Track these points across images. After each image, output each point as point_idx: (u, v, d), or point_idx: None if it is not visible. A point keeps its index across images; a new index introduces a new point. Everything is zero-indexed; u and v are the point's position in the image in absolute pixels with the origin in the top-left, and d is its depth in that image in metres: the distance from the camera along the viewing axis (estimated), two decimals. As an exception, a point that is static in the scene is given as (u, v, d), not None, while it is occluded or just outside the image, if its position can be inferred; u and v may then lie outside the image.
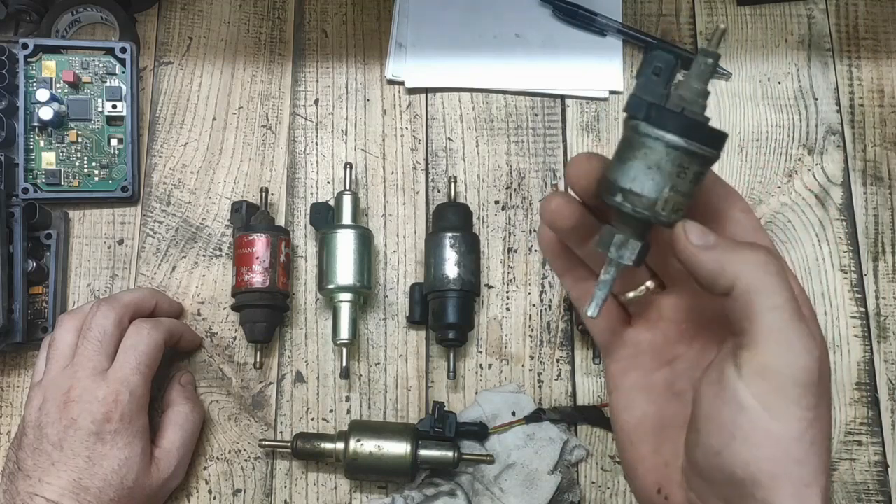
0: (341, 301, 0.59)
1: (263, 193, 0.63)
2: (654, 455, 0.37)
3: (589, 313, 0.35)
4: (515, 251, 0.64)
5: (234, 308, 0.60)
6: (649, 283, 0.38)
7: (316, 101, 0.67)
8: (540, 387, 0.61)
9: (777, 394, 0.31)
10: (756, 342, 0.32)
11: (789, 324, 0.31)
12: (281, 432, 0.60)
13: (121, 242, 0.64)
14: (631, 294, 0.38)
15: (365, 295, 0.61)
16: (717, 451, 0.33)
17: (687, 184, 0.32)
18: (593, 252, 0.37)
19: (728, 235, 0.35)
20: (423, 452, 0.56)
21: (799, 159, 0.66)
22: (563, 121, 0.67)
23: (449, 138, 0.66)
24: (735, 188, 0.37)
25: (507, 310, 0.62)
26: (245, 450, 0.60)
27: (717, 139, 0.32)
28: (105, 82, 0.65)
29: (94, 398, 0.52)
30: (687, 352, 0.38)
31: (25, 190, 0.62)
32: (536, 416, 0.58)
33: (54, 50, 0.64)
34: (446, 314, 0.58)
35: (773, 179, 0.65)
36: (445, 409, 0.57)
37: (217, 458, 0.60)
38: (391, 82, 0.67)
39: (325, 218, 0.62)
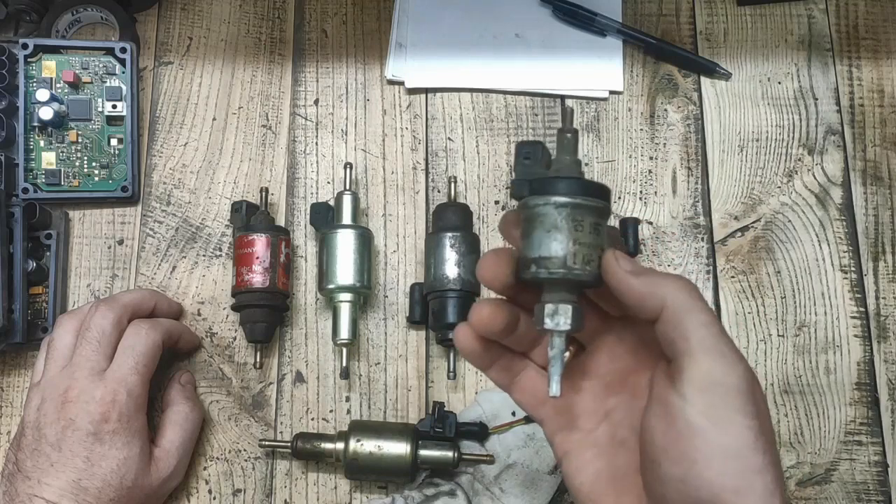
0: (341, 301, 0.59)
1: (263, 193, 0.63)
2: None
3: (551, 393, 0.36)
4: (515, 251, 0.64)
5: (234, 308, 0.60)
6: (569, 350, 0.39)
7: (316, 101, 0.67)
8: (540, 387, 0.61)
9: (722, 406, 0.33)
10: (693, 358, 0.33)
11: (719, 338, 0.34)
12: (281, 432, 0.60)
13: (121, 242, 0.64)
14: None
15: (365, 295, 0.61)
16: (681, 479, 0.34)
17: (588, 235, 0.35)
18: (520, 336, 0.40)
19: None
20: (423, 452, 0.56)
21: (799, 159, 0.66)
22: (564, 121, 0.66)
23: (449, 138, 0.66)
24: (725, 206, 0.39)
25: (507, 310, 0.62)
26: (245, 450, 0.60)
27: (600, 190, 0.36)
28: (105, 82, 0.65)
29: (91, 398, 0.52)
30: (618, 402, 0.40)
31: (25, 190, 0.62)
32: (536, 416, 0.58)
33: (54, 50, 0.64)
34: (446, 314, 0.58)
35: (773, 179, 0.65)
36: (445, 409, 0.57)
37: (217, 458, 0.60)
38: (391, 82, 0.67)
39: (325, 218, 0.62)
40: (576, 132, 0.37)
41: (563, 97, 0.67)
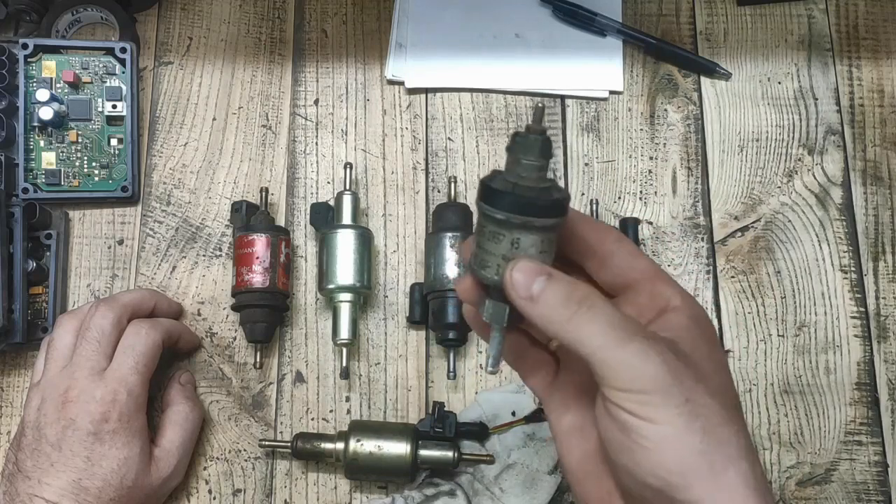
0: (341, 301, 0.59)
1: (263, 193, 0.63)
2: (598, 488, 0.39)
3: (489, 370, 0.38)
4: (515, 251, 0.64)
5: (234, 308, 0.60)
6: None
7: (316, 101, 0.67)
8: (540, 387, 0.61)
9: (644, 405, 0.33)
10: (601, 376, 0.34)
11: (617, 348, 0.33)
12: (281, 432, 0.60)
13: (121, 242, 0.64)
14: (554, 343, 0.41)
15: (365, 295, 0.61)
16: (629, 469, 0.35)
17: (518, 251, 0.35)
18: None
19: (612, 268, 0.38)
20: (423, 452, 0.56)
21: (799, 159, 0.66)
22: (563, 121, 0.67)
23: (449, 138, 0.66)
24: (603, 222, 0.39)
25: (507, 310, 0.62)
26: (245, 450, 0.60)
27: (537, 207, 0.34)
28: (105, 82, 0.65)
29: (91, 398, 0.52)
30: None
31: (25, 190, 0.62)
32: (536, 416, 0.58)
33: (54, 50, 0.64)
34: (446, 314, 0.58)
35: (773, 179, 0.65)
36: (445, 409, 0.57)
37: (217, 458, 0.60)
38: (391, 82, 0.67)
39: (325, 218, 0.62)
40: (544, 132, 0.35)
41: (563, 97, 0.67)
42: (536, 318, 0.35)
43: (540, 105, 0.36)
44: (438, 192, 0.65)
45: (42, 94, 0.62)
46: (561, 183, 0.65)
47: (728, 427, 0.34)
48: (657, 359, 0.33)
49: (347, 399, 0.61)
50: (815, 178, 0.65)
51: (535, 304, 0.35)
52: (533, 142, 0.35)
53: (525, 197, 0.34)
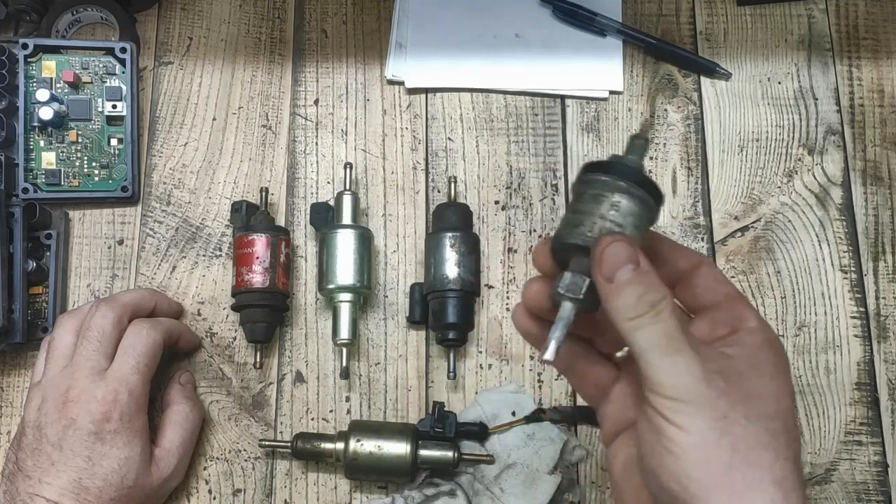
0: (341, 301, 0.59)
1: (263, 193, 0.63)
2: (636, 495, 0.39)
3: (545, 357, 0.36)
4: (515, 251, 0.64)
5: (234, 308, 0.60)
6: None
7: (316, 101, 0.67)
8: (540, 387, 0.61)
9: (679, 412, 0.34)
10: (645, 377, 0.35)
11: (666, 355, 0.34)
12: (281, 432, 0.60)
13: (121, 242, 0.64)
14: (619, 353, 0.41)
15: (365, 295, 0.61)
16: (654, 472, 0.35)
17: (620, 217, 0.35)
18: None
19: (695, 290, 0.39)
20: (423, 452, 0.56)
21: (799, 159, 0.66)
22: (563, 121, 0.67)
23: (449, 138, 0.66)
24: (694, 251, 0.40)
25: (507, 310, 0.62)
26: (245, 450, 0.60)
27: (648, 185, 0.36)
28: (105, 82, 0.65)
29: (92, 398, 0.52)
30: None
31: (25, 190, 0.62)
32: (536, 416, 0.58)
33: (54, 50, 0.64)
34: (446, 314, 0.58)
35: (773, 179, 0.65)
36: (445, 409, 0.57)
37: (217, 458, 0.60)
38: (391, 82, 0.67)
39: (325, 218, 0.62)
40: (646, 139, 0.38)
41: (563, 97, 0.67)
42: (608, 302, 0.35)
43: (641, 141, 0.38)
44: (438, 192, 0.65)
45: (42, 94, 0.62)
46: (561, 185, 0.65)
47: (766, 452, 0.34)
48: (700, 373, 0.34)
49: (347, 399, 0.61)
50: (815, 178, 0.65)
51: (612, 290, 0.35)
52: (638, 144, 0.38)
53: (633, 168, 0.36)
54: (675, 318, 0.35)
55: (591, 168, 0.37)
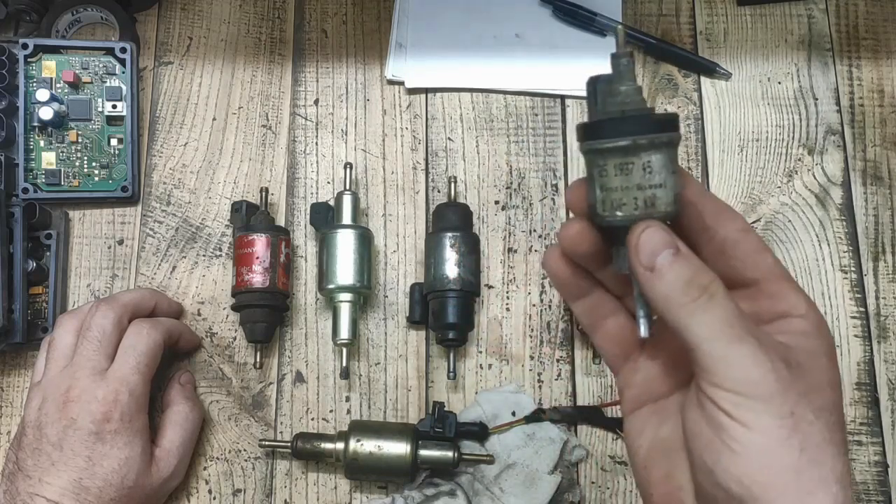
0: (341, 301, 0.59)
1: (263, 193, 0.63)
2: (666, 480, 0.37)
3: (641, 334, 0.35)
4: (515, 251, 0.64)
5: (234, 308, 0.60)
6: None
7: (316, 101, 0.67)
8: (540, 387, 0.61)
9: (744, 408, 0.31)
10: (703, 368, 0.32)
11: (728, 344, 0.32)
12: (281, 432, 0.60)
13: (121, 242, 0.64)
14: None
15: (365, 295, 0.61)
16: (710, 469, 0.33)
17: (652, 175, 0.32)
18: (614, 274, 0.37)
19: (731, 260, 0.35)
20: (423, 452, 0.56)
21: (799, 159, 0.66)
22: (563, 121, 0.67)
23: (449, 138, 0.66)
24: (728, 204, 0.36)
25: (507, 310, 0.62)
26: (245, 450, 0.60)
27: (654, 123, 0.32)
28: (105, 82, 0.65)
29: (93, 398, 0.52)
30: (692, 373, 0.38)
31: (25, 190, 0.62)
32: (536, 416, 0.58)
33: (54, 50, 0.64)
34: (446, 314, 0.58)
35: (773, 179, 0.65)
36: (445, 409, 0.57)
37: (217, 458, 0.60)
38: (391, 82, 0.67)
39: (325, 218, 0.62)
40: (629, 55, 0.34)
41: (563, 97, 0.67)
42: (652, 291, 0.33)
43: (621, 28, 0.35)
44: (438, 192, 0.65)
45: (42, 94, 0.62)
46: (561, 185, 0.65)
47: (828, 448, 0.32)
48: (768, 364, 0.31)
49: (347, 399, 0.61)
50: (815, 178, 0.65)
51: (655, 277, 0.32)
52: (625, 66, 0.34)
53: (643, 116, 0.33)
54: (732, 300, 0.32)
55: (597, 132, 0.33)
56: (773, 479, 0.31)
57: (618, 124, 0.33)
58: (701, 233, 0.36)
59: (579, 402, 0.60)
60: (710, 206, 0.36)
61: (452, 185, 0.63)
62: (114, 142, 0.65)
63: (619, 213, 0.33)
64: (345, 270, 0.59)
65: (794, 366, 0.33)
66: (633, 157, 0.32)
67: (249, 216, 0.61)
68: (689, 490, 0.36)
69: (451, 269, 0.59)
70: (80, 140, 0.64)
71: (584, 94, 0.68)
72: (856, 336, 0.62)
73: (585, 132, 0.34)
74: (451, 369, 0.59)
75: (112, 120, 0.64)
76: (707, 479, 0.33)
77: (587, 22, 0.67)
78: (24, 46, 0.63)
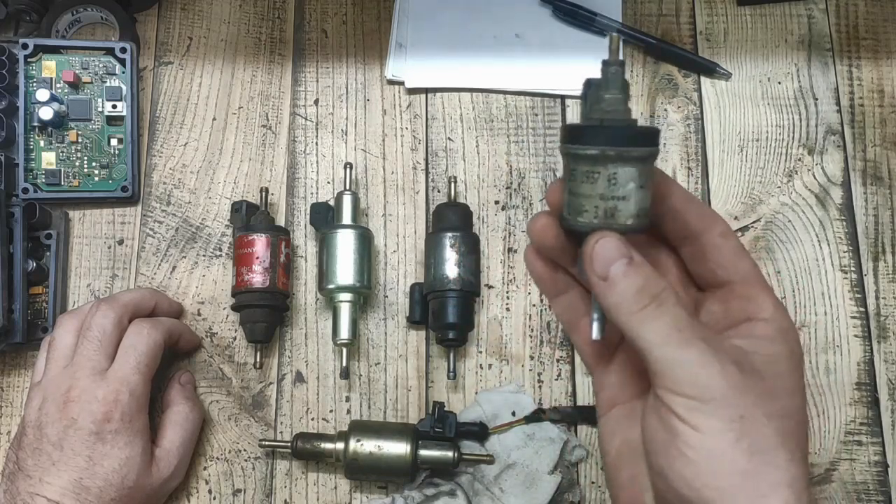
0: (341, 301, 0.59)
1: (263, 193, 0.63)
2: (631, 483, 0.37)
3: (593, 337, 0.35)
4: (515, 251, 0.64)
5: (234, 308, 0.60)
6: None
7: (316, 101, 0.67)
8: (540, 387, 0.61)
9: (695, 412, 0.32)
10: (655, 373, 0.33)
11: (678, 348, 0.32)
12: (281, 432, 0.60)
13: (121, 242, 0.64)
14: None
15: (365, 295, 0.61)
16: (665, 473, 0.33)
17: (616, 187, 0.33)
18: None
19: (709, 263, 0.36)
20: (423, 452, 0.56)
21: (799, 159, 0.66)
22: (563, 121, 0.67)
23: (449, 138, 0.66)
24: (713, 209, 0.37)
25: (507, 310, 0.62)
26: (245, 450, 0.60)
27: (634, 136, 0.33)
28: (105, 82, 0.65)
29: (93, 398, 0.52)
30: None
31: (25, 190, 0.62)
32: (536, 416, 0.58)
33: (54, 50, 0.64)
34: (446, 314, 0.58)
35: (773, 179, 0.65)
36: (445, 409, 0.57)
37: (217, 458, 0.60)
38: (391, 82, 0.67)
39: (325, 218, 0.62)
40: (622, 64, 0.35)
41: (563, 97, 0.67)
42: (605, 300, 0.34)
43: (615, 35, 0.35)
44: (438, 192, 0.65)
45: (42, 94, 0.62)
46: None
47: (781, 452, 0.32)
48: (717, 367, 0.32)
49: (347, 399, 0.61)
50: (815, 178, 0.65)
51: (607, 287, 0.33)
52: (614, 74, 0.34)
53: (616, 127, 0.33)
54: (681, 307, 0.33)
55: (573, 136, 0.34)
56: (721, 483, 0.32)
57: (592, 132, 0.33)
58: (684, 237, 0.37)
59: (579, 402, 0.60)
60: (694, 212, 0.37)
61: (452, 185, 0.63)
62: (114, 142, 0.65)
63: (580, 220, 0.34)
64: (345, 270, 0.59)
65: (749, 370, 0.33)
66: (600, 166, 0.33)
67: (249, 216, 0.61)
68: (651, 494, 0.36)
69: (451, 269, 0.59)
70: (80, 140, 0.64)
71: (584, 94, 0.68)
72: (856, 336, 0.62)
73: (564, 134, 0.34)
74: (451, 369, 0.59)
75: (112, 120, 0.64)
76: (662, 483, 0.34)
77: (587, 22, 0.67)
78: (24, 46, 0.63)
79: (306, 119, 0.67)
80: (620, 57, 0.35)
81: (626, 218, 0.34)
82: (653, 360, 0.33)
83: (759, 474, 0.32)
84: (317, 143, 0.66)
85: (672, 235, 0.37)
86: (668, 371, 0.32)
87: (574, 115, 0.67)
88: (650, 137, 0.34)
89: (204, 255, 0.64)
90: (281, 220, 0.64)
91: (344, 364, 0.59)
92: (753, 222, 0.64)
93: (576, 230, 0.35)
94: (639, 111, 0.67)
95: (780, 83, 0.67)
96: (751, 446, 0.32)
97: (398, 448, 0.55)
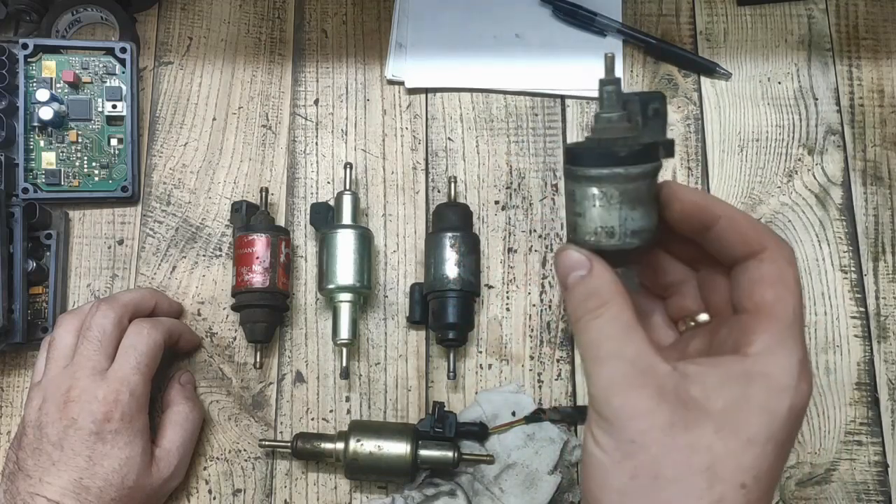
0: (341, 301, 0.59)
1: (263, 193, 0.63)
2: (589, 494, 0.38)
3: None
4: (515, 251, 0.64)
5: (234, 308, 0.60)
6: (701, 316, 0.40)
7: (316, 101, 0.67)
8: (540, 387, 0.61)
9: (595, 424, 0.34)
10: (586, 375, 0.35)
11: (596, 364, 0.34)
12: (281, 432, 0.60)
13: (121, 242, 0.64)
14: (702, 317, 0.40)
15: (365, 295, 0.61)
16: (582, 482, 0.36)
17: (575, 204, 0.35)
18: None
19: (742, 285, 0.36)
20: (423, 452, 0.56)
21: (799, 159, 0.66)
22: (563, 121, 0.67)
23: (449, 138, 0.66)
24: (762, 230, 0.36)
25: (507, 310, 0.62)
26: (245, 450, 0.60)
27: (627, 155, 0.34)
28: (105, 82, 0.65)
29: (93, 398, 0.52)
30: None
31: (25, 190, 0.62)
32: (536, 416, 0.58)
33: (54, 50, 0.64)
34: (446, 314, 0.58)
35: (773, 179, 0.65)
36: (445, 409, 0.57)
37: (217, 458, 0.60)
38: (391, 82, 0.67)
39: (325, 218, 0.62)
40: (617, 82, 0.35)
41: (563, 97, 0.67)
42: (567, 305, 0.36)
43: (610, 55, 0.36)
44: (438, 192, 0.65)
45: (42, 94, 0.62)
46: (561, 185, 0.65)
47: (672, 488, 0.32)
48: (621, 388, 0.33)
49: (347, 399, 0.61)
50: (815, 178, 0.65)
51: (567, 293, 0.36)
52: (609, 94, 0.35)
53: (605, 148, 0.34)
54: (616, 324, 0.34)
55: (571, 157, 0.35)
56: (603, 497, 0.34)
57: (584, 153, 0.35)
58: (738, 259, 0.37)
59: (579, 402, 0.60)
60: (746, 225, 0.36)
61: (452, 185, 0.63)
62: (114, 142, 0.65)
63: (588, 240, 0.36)
64: (345, 270, 0.59)
65: (674, 400, 0.32)
66: (594, 186, 0.34)
67: (249, 216, 0.61)
68: None
69: (451, 269, 0.59)
70: (80, 140, 0.64)
71: (583, 93, 0.68)
72: (856, 336, 0.62)
73: (566, 155, 0.36)
74: (451, 369, 0.59)
75: (112, 120, 0.64)
76: (582, 493, 0.36)
77: (587, 22, 0.67)
78: (24, 46, 0.63)
79: (306, 119, 0.67)
80: (618, 74, 0.36)
81: (585, 234, 0.35)
82: (584, 365, 0.35)
83: (639, 495, 0.32)
84: (317, 143, 0.66)
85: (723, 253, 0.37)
86: (587, 381, 0.35)
87: (574, 114, 0.67)
88: (644, 154, 0.34)
89: (204, 255, 0.64)
90: (281, 220, 0.64)
91: (344, 364, 0.59)
92: (753, 222, 0.64)
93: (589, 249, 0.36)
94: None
95: (780, 83, 0.67)
96: (636, 469, 0.33)
97: (398, 448, 0.55)
